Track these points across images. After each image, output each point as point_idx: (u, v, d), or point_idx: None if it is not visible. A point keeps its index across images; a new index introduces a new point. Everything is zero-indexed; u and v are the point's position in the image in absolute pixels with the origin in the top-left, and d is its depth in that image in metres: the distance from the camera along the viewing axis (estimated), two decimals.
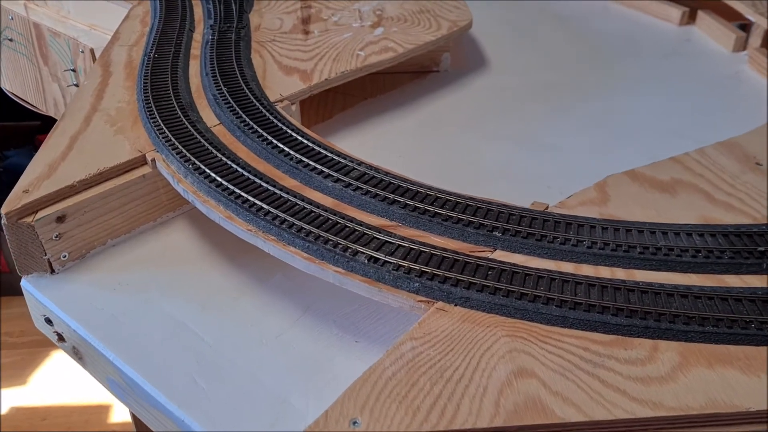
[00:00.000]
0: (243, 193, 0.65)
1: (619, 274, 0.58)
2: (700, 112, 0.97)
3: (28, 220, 0.65)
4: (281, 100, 0.84)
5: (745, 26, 1.22)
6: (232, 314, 0.65)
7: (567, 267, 0.58)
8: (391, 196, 0.65)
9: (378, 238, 0.60)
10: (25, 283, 0.68)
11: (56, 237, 0.67)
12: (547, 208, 0.66)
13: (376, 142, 0.93)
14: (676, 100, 1.00)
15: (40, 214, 0.66)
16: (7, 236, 0.66)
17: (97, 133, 0.77)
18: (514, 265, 0.57)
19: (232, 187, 0.66)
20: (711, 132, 0.90)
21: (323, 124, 0.96)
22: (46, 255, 0.67)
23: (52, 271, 0.68)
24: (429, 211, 0.63)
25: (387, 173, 0.69)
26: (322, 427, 0.45)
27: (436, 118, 0.98)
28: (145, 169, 0.72)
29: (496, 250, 0.60)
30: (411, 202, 0.64)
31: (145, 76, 0.87)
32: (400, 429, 0.45)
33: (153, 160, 0.72)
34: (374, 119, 0.98)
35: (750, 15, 1.14)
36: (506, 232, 0.61)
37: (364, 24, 1.05)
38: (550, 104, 1.01)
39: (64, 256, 0.68)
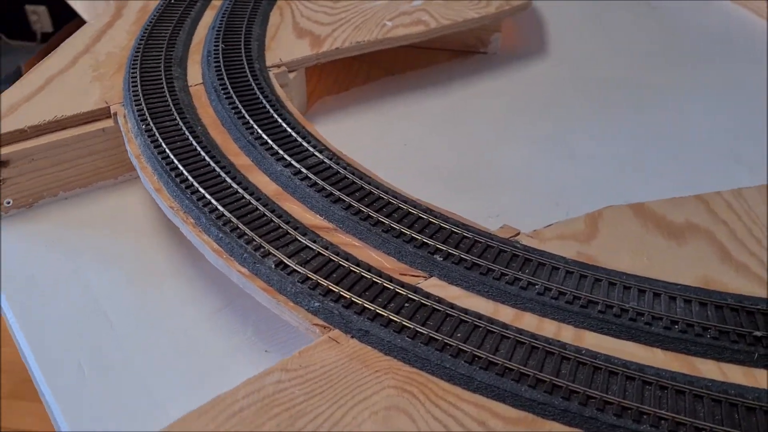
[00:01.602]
0: (179, 165, 0.59)
1: (566, 333, 0.47)
2: None
3: None
4: (278, 65, 0.77)
5: None
6: (153, 297, 0.59)
7: (506, 313, 0.48)
8: (337, 193, 0.57)
9: (299, 241, 0.52)
10: None
11: None
12: (517, 235, 0.55)
13: (387, 125, 0.84)
14: (749, 120, 0.84)
15: None
16: None
17: (75, 77, 0.73)
18: (439, 300, 0.48)
19: (172, 156, 0.60)
20: None
21: (337, 96, 0.88)
22: None
23: None
24: (371, 217, 0.55)
25: (348, 165, 0.60)
26: None
27: (462, 107, 0.87)
28: (108, 123, 0.68)
29: (431, 276, 0.51)
30: (355, 204, 0.56)
31: (149, 22, 0.82)
32: None
33: (115, 114, 0.67)
34: (395, 98, 0.88)
35: None
36: (449, 257, 0.51)
37: None
38: (597, 104, 0.87)
39: (8, 203, 0.65)
